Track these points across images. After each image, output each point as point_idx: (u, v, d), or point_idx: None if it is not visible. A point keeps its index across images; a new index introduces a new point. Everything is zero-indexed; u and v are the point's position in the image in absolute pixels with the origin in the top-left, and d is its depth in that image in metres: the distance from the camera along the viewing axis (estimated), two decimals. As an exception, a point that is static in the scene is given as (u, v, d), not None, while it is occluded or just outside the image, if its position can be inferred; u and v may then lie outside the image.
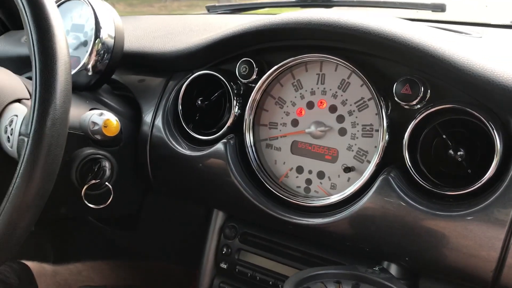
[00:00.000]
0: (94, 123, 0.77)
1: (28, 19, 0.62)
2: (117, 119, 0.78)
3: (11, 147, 0.70)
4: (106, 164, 0.83)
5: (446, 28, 0.92)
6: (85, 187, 0.82)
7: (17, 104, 0.75)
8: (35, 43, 0.61)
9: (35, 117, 0.59)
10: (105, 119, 0.77)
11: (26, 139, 0.60)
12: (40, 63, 0.60)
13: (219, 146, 0.85)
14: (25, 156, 0.59)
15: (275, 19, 0.80)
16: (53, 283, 1.16)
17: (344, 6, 1.33)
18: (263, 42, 0.84)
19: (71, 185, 0.82)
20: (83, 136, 0.83)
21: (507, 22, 1.14)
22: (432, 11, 1.20)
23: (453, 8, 1.21)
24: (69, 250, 1.41)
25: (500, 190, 0.63)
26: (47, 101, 0.59)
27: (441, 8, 1.19)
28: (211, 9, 1.47)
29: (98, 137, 0.79)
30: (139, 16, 1.39)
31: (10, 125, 0.70)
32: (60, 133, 0.61)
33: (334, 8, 1.28)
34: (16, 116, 0.71)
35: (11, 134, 0.70)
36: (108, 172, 0.83)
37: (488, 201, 0.64)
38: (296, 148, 0.85)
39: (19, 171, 0.60)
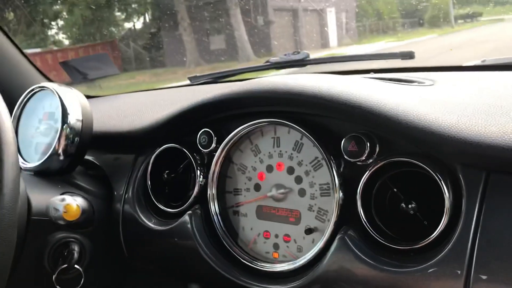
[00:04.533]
0: (56, 209, 0.79)
1: None
2: (78, 204, 0.80)
3: None
4: (75, 248, 0.84)
5: (400, 78, 0.93)
6: (56, 272, 0.83)
7: None
8: None
9: None
10: (65, 204, 0.79)
11: None
12: None
13: (185, 218, 0.86)
14: None
15: (221, 93, 0.83)
16: None
17: (317, 63, 1.36)
18: (217, 113, 0.86)
19: (44, 271, 0.84)
20: (53, 221, 0.85)
21: (478, 63, 1.15)
22: (402, 59, 1.22)
23: (421, 54, 1.24)
24: None
25: (453, 240, 0.62)
26: None
27: (409, 55, 1.21)
28: (192, 80, 1.52)
29: (61, 222, 0.80)
30: (118, 95, 1.44)
31: None
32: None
33: (308, 67, 1.32)
34: None
35: None
36: (76, 256, 0.84)
37: (442, 254, 0.62)
38: (261, 213, 0.84)
39: None
